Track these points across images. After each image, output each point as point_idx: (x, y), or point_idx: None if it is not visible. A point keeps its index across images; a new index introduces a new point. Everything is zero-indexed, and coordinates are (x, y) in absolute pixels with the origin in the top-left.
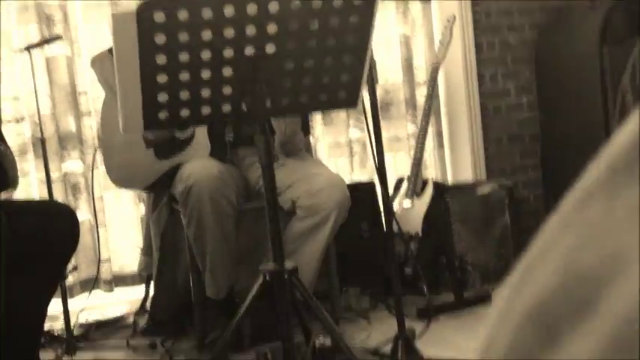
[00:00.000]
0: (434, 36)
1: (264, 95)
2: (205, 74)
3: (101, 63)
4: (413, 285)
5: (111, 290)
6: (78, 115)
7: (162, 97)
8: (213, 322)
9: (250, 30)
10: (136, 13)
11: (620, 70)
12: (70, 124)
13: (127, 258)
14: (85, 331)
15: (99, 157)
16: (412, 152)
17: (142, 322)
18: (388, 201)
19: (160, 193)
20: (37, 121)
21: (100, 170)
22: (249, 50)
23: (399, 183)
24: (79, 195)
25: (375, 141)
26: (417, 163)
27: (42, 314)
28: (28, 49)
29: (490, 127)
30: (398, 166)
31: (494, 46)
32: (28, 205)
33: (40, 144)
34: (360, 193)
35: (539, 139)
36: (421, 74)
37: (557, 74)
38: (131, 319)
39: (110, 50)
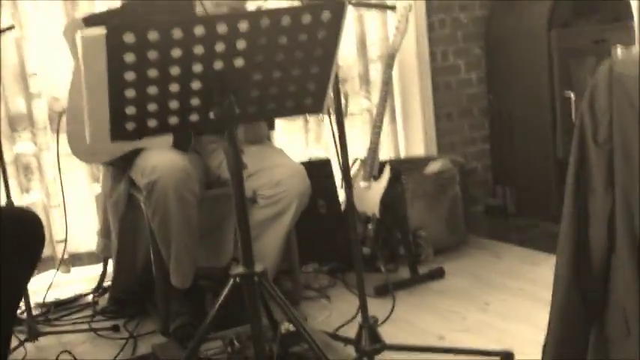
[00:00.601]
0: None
1: (232, 105)
2: (174, 88)
3: (73, 32)
4: (370, 264)
5: (68, 271)
6: (28, 97)
7: (130, 110)
8: (177, 308)
9: (220, 47)
10: (105, 35)
11: (566, 52)
12: (19, 105)
13: (83, 238)
14: (44, 312)
15: (49, 138)
16: (367, 128)
17: (102, 302)
18: (351, 190)
19: (118, 172)
20: None
21: (52, 152)
22: (218, 65)
23: (353, 163)
24: (32, 176)
25: (340, 146)
26: (374, 146)
27: (11, 317)
28: None
29: (441, 102)
30: (353, 141)
31: (446, 24)
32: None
33: None
34: (316, 169)
35: (487, 113)
36: (374, 50)
37: (506, 52)
38: (89, 299)
39: (83, 19)
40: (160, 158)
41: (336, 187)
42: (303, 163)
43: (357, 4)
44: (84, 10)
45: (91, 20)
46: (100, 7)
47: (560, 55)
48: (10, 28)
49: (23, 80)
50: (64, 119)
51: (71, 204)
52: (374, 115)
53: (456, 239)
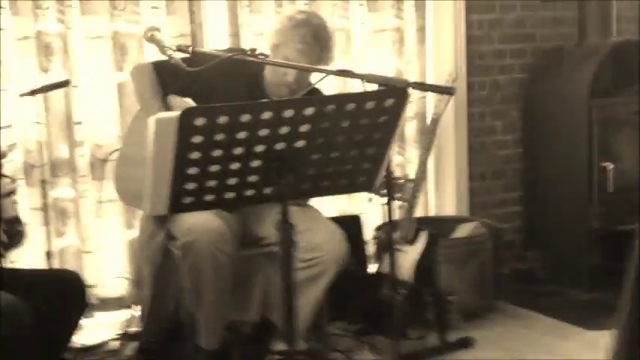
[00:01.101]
0: (426, 73)
1: (289, 183)
2: (234, 166)
3: (141, 75)
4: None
5: (92, 315)
6: (72, 144)
7: (190, 186)
8: None
9: (284, 130)
10: (178, 118)
11: (605, 122)
12: (62, 152)
13: (111, 283)
14: (72, 357)
15: (89, 185)
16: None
17: (128, 350)
18: (394, 261)
19: (158, 221)
20: (30, 149)
21: (90, 198)
22: (279, 145)
23: (388, 225)
24: (67, 221)
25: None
26: (410, 209)
27: None
28: (33, 93)
29: (475, 162)
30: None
31: (485, 85)
32: (39, 277)
33: (32, 171)
34: (345, 225)
35: (521, 174)
36: (410, 107)
37: (544, 116)
38: (115, 345)
39: (153, 63)
40: (197, 218)
41: (364, 246)
42: (332, 218)
43: (417, 88)
44: (132, 61)
45: (160, 66)
46: (149, 58)
47: (599, 125)
48: (66, 83)
49: (68, 127)
50: (108, 165)
51: (103, 249)
52: (413, 176)
53: (484, 304)
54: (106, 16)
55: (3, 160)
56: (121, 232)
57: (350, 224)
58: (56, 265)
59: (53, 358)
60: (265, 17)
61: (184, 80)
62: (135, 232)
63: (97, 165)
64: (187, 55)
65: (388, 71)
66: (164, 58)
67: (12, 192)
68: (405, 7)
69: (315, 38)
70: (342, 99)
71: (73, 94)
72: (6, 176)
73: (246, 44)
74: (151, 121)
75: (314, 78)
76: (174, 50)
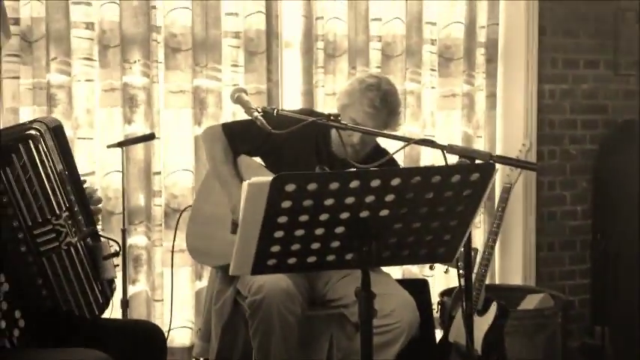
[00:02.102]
0: (495, 139)
1: (371, 250)
2: (319, 231)
3: (212, 138)
4: None
5: None
6: (149, 193)
7: (275, 249)
8: None
9: (370, 198)
10: (270, 183)
11: None
12: (139, 200)
13: (178, 332)
14: None
15: (162, 234)
16: None
17: None
18: (471, 323)
19: (226, 277)
20: (110, 196)
21: (163, 247)
22: (364, 213)
23: (459, 292)
24: (140, 268)
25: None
26: (481, 278)
27: None
28: (121, 145)
29: (543, 231)
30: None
31: (555, 154)
32: (123, 328)
33: (111, 218)
34: (411, 289)
35: (590, 246)
36: None
37: (615, 189)
38: None
39: (222, 125)
40: (267, 276)
41: (431, 311)
42: (400, 281)
43: (502, 162)
44: (211, 115)
45: (229, 128)
46: (227, 113)
47: None
48: (151, 137)
49: (147, 177)
50: (183, 215)
51: (172, 298)
52: (483, 245)
53: None
54: (188, 71)
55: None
56: (190, 282)
57: (417, 288)
58: (128, 312)
59: None
60: (339, 79)
61: (253, 141)
62: (203, 283)
63: (171, 215)
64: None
65: (457, 136)
66: (236, 119)
67: (114, 254)
68: (476, 74)
69: (383, 103)
70: (428, 171)
71: (154, 144)
72: (109, 238)
73: (319, 103)
74: (244, 185)
75: (392, 144)
76: (260, 112)
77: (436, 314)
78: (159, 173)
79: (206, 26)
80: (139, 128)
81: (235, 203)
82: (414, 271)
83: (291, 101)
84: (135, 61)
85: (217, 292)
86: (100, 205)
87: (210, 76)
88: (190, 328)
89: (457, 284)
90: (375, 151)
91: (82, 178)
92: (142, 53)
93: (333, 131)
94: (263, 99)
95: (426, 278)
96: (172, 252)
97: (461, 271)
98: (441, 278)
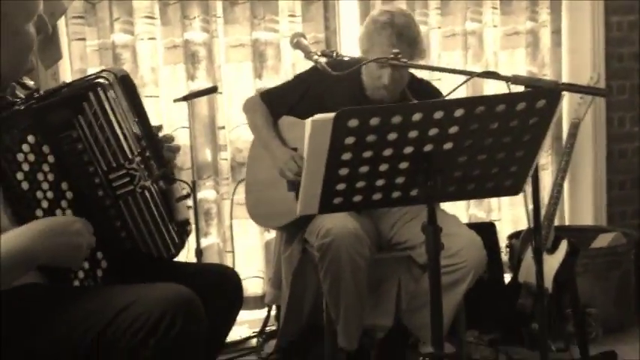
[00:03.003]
0: (561, 77)
1: (436, 186)
2: (383, 167)
3: (252, 107)
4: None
5: None
6: (214, 148)
7: (340, 187)
8: None
9: (433, 131)
10: (333, 119)
11: None
12: (206, 155)
13: (250, 282)
14: None
15: (230, 187)
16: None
17: (267, 348)
18: (541, 259)
19: (293, 232)
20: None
21: (231, 200)
22: (427, 147)
23: (527, 234)
24: (211, 222)
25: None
26: (550, 217)
27: None
28: (186, 98)
29: (614, 170)
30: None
31: (625, 89)
32: (201, 271)
33: (181, 173)
34: (479, 233)
35: None
36: None
37: None
38: (254, 343)
39: (260, 94)
40: (334, 221)
41: (500, 253)
42: (466, 225)
43: (569, 89)
44: (271, 67)
45: (266, 95)
46: (286, 64)
47: None
48: (214, 89)
49: (212, 132)
50: (243, 170)
51: (242, 249)
52: (552, 183)
53: (625, 318)
54: (246, 24)
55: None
56: (259, 233)
57: (484, 232)
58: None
59: (212, 355)
60: None
61: (291, 99)
62: (272, 234)
63: (237, 168)
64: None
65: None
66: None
67: (186, 196)
68: (540, 10)
69: (400, 38)
70: (492, 100)
71: (217, 99)
72: (182, 181)
73: None
74: (307, 122)
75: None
76: (319, 55)
77: (505, 257)
78: (223, 128)
79: None
80: (202, 84)
81: (280, 164)
82: (480, 215)
83: (349, 49)
84: (194, 17)
85: (285, 240)
86: (176, 154)
87: (268, 28)
88: (261, 277)
89: (525, 227)
90: (413, 86)
91: (154, 125)
92: (201, 9)
93: (364, 76)
94: (321, 48)
95: (494, 222)
96: (232, 204)
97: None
98: (509, 222)
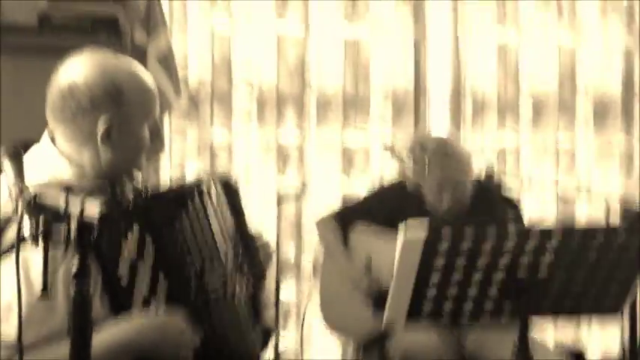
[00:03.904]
0: None
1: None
2: (471, 292)
3: (324, 227)
4: None
5: None
6: (300, 247)
7: (427, 307)
8: None
9: (526, 259)
10: (424, 240)
11: None
12: (289, 253)
13: None
14: None
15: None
16: None
17: None
18: None
19: (371, 349)
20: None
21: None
22: (520, 274)
23: None
24: (289, 319)
25: None
26: None
27: None
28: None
29: None
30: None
31: None
32: None
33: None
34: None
35: None
36: None
37: None
38: None
39: (333, 216)
40: (417, 337)
41: None
42: None
43: None
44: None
45: (339, 216)
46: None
47: None
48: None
49: (298, 231)
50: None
51: (320, 349)
52: None
53: None
54: (338, 127)
55: None
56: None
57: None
58: None
59: None
60: (487, 133)
61: (361, 216)
62: None
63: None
64: None
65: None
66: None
67: (275, 304)
68: (635, 123)
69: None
70: (589, 233)
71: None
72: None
73: None
74: (400, 239)
75: None
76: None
77: None
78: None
79: (356, 83)
80: (290, 180)
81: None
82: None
83: None
84: (289, 119)
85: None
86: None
87: (359, 132)
88: None
89: (616, 351)
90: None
91: (254, 233)
92: (295, 111)
93: (427, 198)
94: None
95: (582, 351)
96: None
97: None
98: (596, 345)
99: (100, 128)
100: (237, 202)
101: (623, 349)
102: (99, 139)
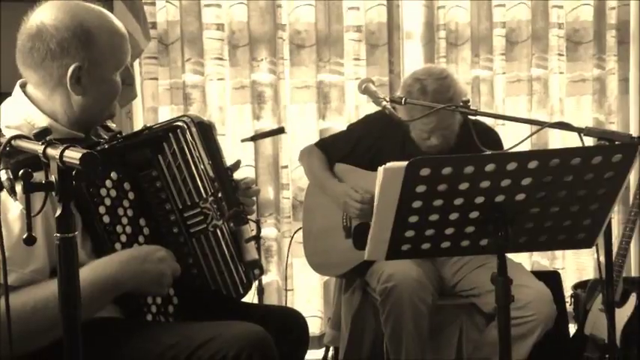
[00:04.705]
0: (629, 124)
1: (507, 236)
2: (453, 216)
3: (308, 155)
4: None
5: None
6: (277, 187)
7: (409, 234)
8: None
9: (505, 182)
10: (405, 167)
11: None
12: (269, 193)
13: (308, 321)
14: None
15: (292, 225)
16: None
17: None
18: (613, 313)
19: (352, 277)
20: None
21: (291, 239)
22: (499, 198)
23: (594, 284)
24: (271, 258)
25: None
26: (619, 269)
27: None
28: (254, 139)
29: None
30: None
31: None
32: (269, 312)
33: None
34: (545, 281)
35: None
36: None
37: None
38: None
39: (317, 144)
40: (396, 266)
41: (565, 304)
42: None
43: None
44: (334, 109)
45: (321, 145)
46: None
47: None
48: (281, 130)
49: (275, 171)
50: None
51: (301, 288)
52: (620, 234)
53: None
54: (312, 67)
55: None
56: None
57: (548, 280)
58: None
59: None
60: (461, 68)
61: (345, 147)
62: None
63: (299, 207)
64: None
65: (588, 122)
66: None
67: (255, 237)
68: (607, 57)
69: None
70: (567, 153)
71: (281, 139)
72: (253, 221)
73: None
74: (379, 170)
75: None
76: (388, 102)
77: (569, 308)
78: (286, 167)
79: (329, 22)
80: (267, 124)
81: (342, 198)
82: (543, 263)
83: None
84: (262, 59)
85: (345, 282)
86: (254, 198)
87: (333, 71)
88: (320, 317)
89: (590, 277)
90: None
91: (233, 170)
92: (268, 51)
93: (412, 133)
94: (385, 91)
95: (558, 270)
96: (290, 243)
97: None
98: (573, 271)
99: (69, 72)
100: (213, 140)
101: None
102: (68, 83)
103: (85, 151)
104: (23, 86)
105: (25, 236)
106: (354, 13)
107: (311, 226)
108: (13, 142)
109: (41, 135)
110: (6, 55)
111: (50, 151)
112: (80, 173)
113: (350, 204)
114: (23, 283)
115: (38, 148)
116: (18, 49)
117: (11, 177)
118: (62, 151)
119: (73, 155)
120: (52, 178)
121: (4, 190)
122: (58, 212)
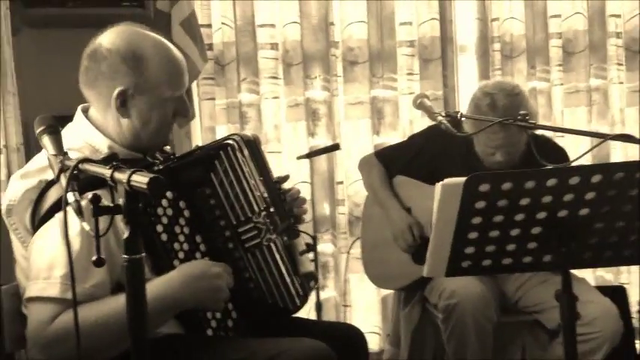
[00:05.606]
0: None
1: (571, 252)
2: (514, 232)
3: (368, 166)
4: None
5: None
6: (333, 202)
7: (469, 250)
8: None
9: (568, 197)
10: (464, 183)
11: None
12: (324, 209)
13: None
14: None
15: (348, 241)
16: None
17: None
18: None
19: (411, 291)
20: None
21: (348, 254)
22: (562, 213)
23: None
24: (328, 274)
25: None
26: None
27: None
28: (309, 156)
29: None
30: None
31: None
32: (329, 329)
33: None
34: (610, 296)
35: None
36: None
37: None
38: None
39: (376, 155)
40: (458, 282)
41: (631, 320)
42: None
43: None
44: (389, 124)
45: (381, 155)
46: (405, 124)
47: None
48: (336, 147)
49: (330, 187)
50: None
51: (358, 304)
52: None
53: None
54: (365, 83)
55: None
56: (376, 288)
57: (613, 295)
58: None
59: None
60: (517, 80)
61: (405, 159)
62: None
63: (355, 222)
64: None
65: None
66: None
67: (309, 250)
68: (609, 67)
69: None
70: (631, 166)
71: (336, 155)
72: (305, 233)
73: None
74: (437, 186)
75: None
76: (444, 116)
77: (636, 323)
78: (341, 183)
79: (381, 37)
80: (322, 140)
81: (396, 232)
82: (608, 277)
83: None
84: (316, 77)
85: (404, 298)
86: (304, 206)
87: (386, 86)
88: (378, 333)
89: None
90: (537, 144)
91: (281, 184)
92: (322, 68)
93: (476, 146)
94: (439, 105)
95: (624, 285)
96: (348, 258)
97: None
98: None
99: (114, 94)
100: (261, 156)
101: None
102: (112, 105)
103: (151, 175)
104: (85, 111)
105: (94, 258)
106: (406, 28)
107: (370, 236)
108: (80, 165)
109: (109, 160)
110: None
111: (118, 175)
112: (144, 196)
113: (402, 239)
114: (85, 298)
115: (106, 172)
116: (80, 69)
117: (78, 199)
118: (130, 176)
119: (141, 180)
120: (120, 201)
121: (66, 209)
122: (126, 235)
